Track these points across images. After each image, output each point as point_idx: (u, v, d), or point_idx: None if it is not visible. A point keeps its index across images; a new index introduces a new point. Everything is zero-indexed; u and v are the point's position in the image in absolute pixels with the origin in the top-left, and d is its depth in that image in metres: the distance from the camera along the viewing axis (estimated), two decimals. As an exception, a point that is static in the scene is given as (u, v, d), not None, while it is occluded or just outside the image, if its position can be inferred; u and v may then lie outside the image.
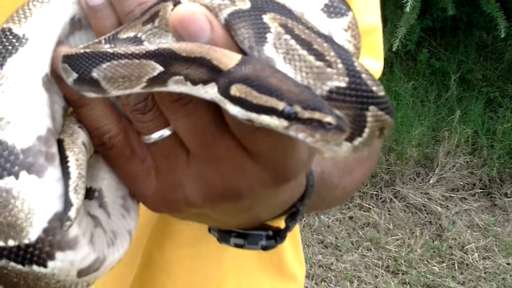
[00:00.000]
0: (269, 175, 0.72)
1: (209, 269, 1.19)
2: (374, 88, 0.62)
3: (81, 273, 0.72)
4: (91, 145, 0.76)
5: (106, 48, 0.68)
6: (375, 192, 4.87)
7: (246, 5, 0.65)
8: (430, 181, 5.03)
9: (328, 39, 0.64)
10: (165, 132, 0.73)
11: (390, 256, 4.33)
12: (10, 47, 0.71)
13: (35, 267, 0.69)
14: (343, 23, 0.70)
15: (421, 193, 4.93)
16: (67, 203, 0.67)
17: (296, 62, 0.63)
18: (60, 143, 0.72)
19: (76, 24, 0.75)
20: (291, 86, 0.61)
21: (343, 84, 0.62)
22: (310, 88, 0.62)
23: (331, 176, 1.06)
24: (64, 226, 0.66)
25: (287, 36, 0.64)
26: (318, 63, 0.63)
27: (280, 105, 0.60)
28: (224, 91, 0.63)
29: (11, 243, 0.68)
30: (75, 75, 0.66)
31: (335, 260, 4.27)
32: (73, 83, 0.67)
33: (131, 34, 0.69)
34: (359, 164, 1.17)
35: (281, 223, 0.97)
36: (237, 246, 0.96)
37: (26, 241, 0.67)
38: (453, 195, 4.95)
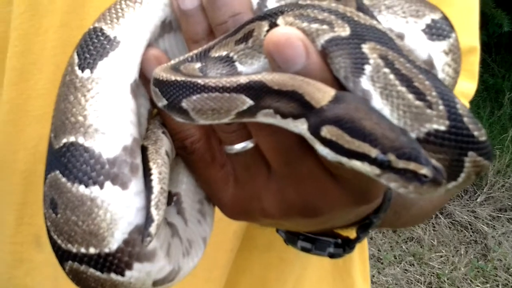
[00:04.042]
0: (351, 197, 0.70)
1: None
2: (476, 133, 0.59)
3: (156, 283, 0.72)
4: (173, 152, 0.76)
5: (198, 69, 0.66)
6: (421, 207, 4.80)
7: (346, 31, 0.62)
8: (478, 200, 4.93)
9: (430, 76, 0.60)
10: (248, 144, 0.71)
11: (433, 273, 4.26)
12: (101, 50, 0.70)
13: (113, 275, 0.69)
14: (445, 45, 0.67)
15: (468, 211, 4.84)
16: (148, 219, 0.67)
17: (394, 99, 0.60)
18: (143, 151, 0.71)
19: (166, 27, 0.74)
20: (386, 130, 0.58)
21: (442, 128, 0.58)
22: (406, 132, 0.59)
23: None
24: (145, 242, 0.66)
25: (387, 70, 0.60)
26: (418, 102, 0.59)
27: (373, 152, 0.57)
28: (315, 131, 0.60)
29: (92, 250, 0.68)
30: (164, 101, 0.65)
31: (377, 272, 4.22)
32: (162, 107, 0.66)
33: (223, 53, 0.67)
34: None
35: (351, 233, 0.95)
36: (304, 250, 0.94)
37: (106, 250, 0.68)
38: (501, 215, 4.85)
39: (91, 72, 0.69)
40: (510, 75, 5.99)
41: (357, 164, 0.59)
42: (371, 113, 0.59)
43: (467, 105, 1.22)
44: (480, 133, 0.59)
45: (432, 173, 0.56)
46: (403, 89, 0.60)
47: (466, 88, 1.19)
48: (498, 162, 5.09)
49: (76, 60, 0.71)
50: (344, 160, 0.59)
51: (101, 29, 0.72)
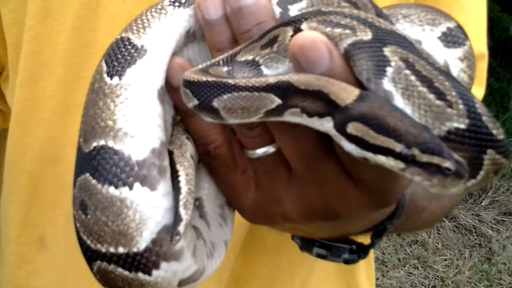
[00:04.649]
0: (370, 200, 0.72)
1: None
2: (494, 132, 0.61)
3: (182, 283, 0.74)
4: (196, 156, 0.78)
5: (225, 72, 0.68)
6: (426, 210, 4.78)
7: (368, 36, 0.64)
8: (483, 203, 4.93)
9: (449, 77, 0.62)
10: (270, 149, 0.73)
11: (437, 276, 4.26)
12: (129, 58, 0.73)
13: (140, 274, 0.71)
14: (460, 53, 0.69)
15: (472, 214, 4.84)
16: (177, 218, 0.68)
17: (415, 99, 0.62)
18: (170, 155, 0.73)
19: (190, 37, 0.76)
20: (410, 127, 0.60)
21: (462, 126, 0.60)
22: (429, 129, 0.61)
23: (421, 198, 1.05)
24: (174, 241, 0.67)
25: (407, 71, 0.62)
26: (438, 102, 0.61)
27: (398, 147, 0.59)
28: (340, 128, 0.62)
29: (121, 250, 0.69)
30: (195, 102, 0.67)
31: (381, 275, 4.22)
32: (192, 107, 0.68)
33: (249, 57, 0.69)
34: None
35: (364, 239, 0.97)
36: (320, 256, 0.96)
37: (135, 250, 0.69)
38: (505, 219, 4.84)
39: (120, 79, 0.72)
40: (515, 80, 5.99)
41: (382, 159, 0.60)
42: (395, 111, 0.61)
43: None
44: (498, 132, 0.61)
45: (455, 166, 0.58)
46: (424, 89, 0.62)
47: (475, 93, 1.20)
48: (503, 166, 5.08)
49: (105, 68, 0.73)
50: (369, 155, 0.61)
51: (128, 39, 0.74)
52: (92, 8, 1.03)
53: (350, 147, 0.62)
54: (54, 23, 1.03)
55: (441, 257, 4.43)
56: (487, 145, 0.61)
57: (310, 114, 0.64)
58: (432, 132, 0.61)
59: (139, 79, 0.72)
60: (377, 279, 4.15)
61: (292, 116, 0.65)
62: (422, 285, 4.18)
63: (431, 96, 0.61)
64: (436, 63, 0.63)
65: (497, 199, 4.95)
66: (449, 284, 4.18)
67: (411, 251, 4.45)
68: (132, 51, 0.73)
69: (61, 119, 1.05)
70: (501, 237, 4.64)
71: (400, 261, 4.36)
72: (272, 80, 0.64)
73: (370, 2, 0.68)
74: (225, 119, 0.67)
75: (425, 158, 0.58)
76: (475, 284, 4.22)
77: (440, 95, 0.61)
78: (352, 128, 0.61)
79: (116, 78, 0.72)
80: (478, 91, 1.23)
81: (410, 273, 4.28)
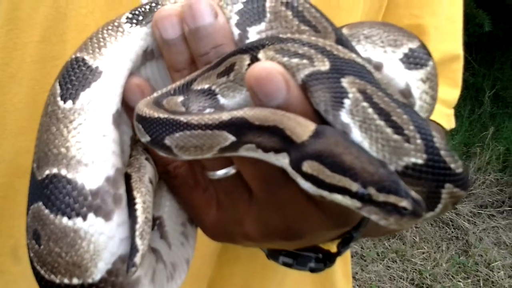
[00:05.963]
0: (332, 221, 0.71)
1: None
2: (452, 166, 0.60)
3: None
4: (156, 177, 0.76)
5: (180, 103, 0.67)
6: (403, 204, 4.80)
7: (325, 66, 0.62)
8: (459, 196, 4.97)
9: (408, 110, 0.61)
10: (230, 170, 0.72)
11: (415, 269, 4.29)
12: (83, 80, 0.70)
13: None
14: (422, 74, 0.68)
15: (449, 207, 4.87)
16: (133, 249, 0.66)
17: (373, 133, 0.61)
18: (127, 179, 0.71)
19: (148, 55, 0.74)
20: (366, 164, 0.59)
21: (420, 161, 0.59)
22: (385, 165, 0.60)
23: None
24: (130, 272, 0.65)
25: (365, 104, 0.61)
26: (396, 136, 0.60)
27: (354, 187, 0.58)
28: (296, 166, 0.61)
29: (75, 281, 0.68)
30: (148, 138, 0.65)
31: (360, 269, 4.24)
32: (145, 142, 0.67)
33: (205, 86, 0.68)
34: None
35: (332, 247, 0.96)
36: (286, 265, 0.95)
37: (89, 281, 0.68)
38: (481, 211, 4.89)
39: (73, 103, 0.69)
40: (491, 74, 6.02)
41: (338, 197, 0.59)
42: (351, 147, 0.60)
43: (451, 111, 1.23)
44: (456, 165, 0.60)
45: (411, 206, 0.57)
46: (382, 123, 0.61)
47: (449, 95, 1.20)
48: (479, 159, 5.13)
49: (58, 90, 0.71)
50: (325, 193, 0.60)
51: (83, 59, 0.71)
52: (59, 19, 1.00)
53: (306, 185, 0.61)
54: (21, 35, 1.01)
55: (419, 250, 4.46)
56: (445, 180, 0.60)
57: (266, 150, 0.63)
58: (389, 168, 0.60)
59: (93, 104, 0.69)
60: (356, 273, 4.17)
61: (247, 152, 0.64)
62: (401, 278, 4.21)
63: (389, 130, 0.60)
64: (394, 94, 0.62)
65: (473, 192, 4.99)
66: (427, 277, 4.21)
67: (389, 245, 4.48)
68: (87, 73, 0.71)
69: (31, 131, 1.02)
70: (478, 230, 4.69)
71: (378, 255, 4.39)
72: (225, 117, 0.62)
73: (330, 25, 0.66)
74: (178, 156, 0.65)
75: (381, 197, 0.57)
76: (452, 276, 4.26)
77: (398, 129, 0.60)
78: (308, 166, 0.60)
79: (69, 102, 0.69)
80: (454, 92, 1.23)
81: (388, 266, 4.30)
